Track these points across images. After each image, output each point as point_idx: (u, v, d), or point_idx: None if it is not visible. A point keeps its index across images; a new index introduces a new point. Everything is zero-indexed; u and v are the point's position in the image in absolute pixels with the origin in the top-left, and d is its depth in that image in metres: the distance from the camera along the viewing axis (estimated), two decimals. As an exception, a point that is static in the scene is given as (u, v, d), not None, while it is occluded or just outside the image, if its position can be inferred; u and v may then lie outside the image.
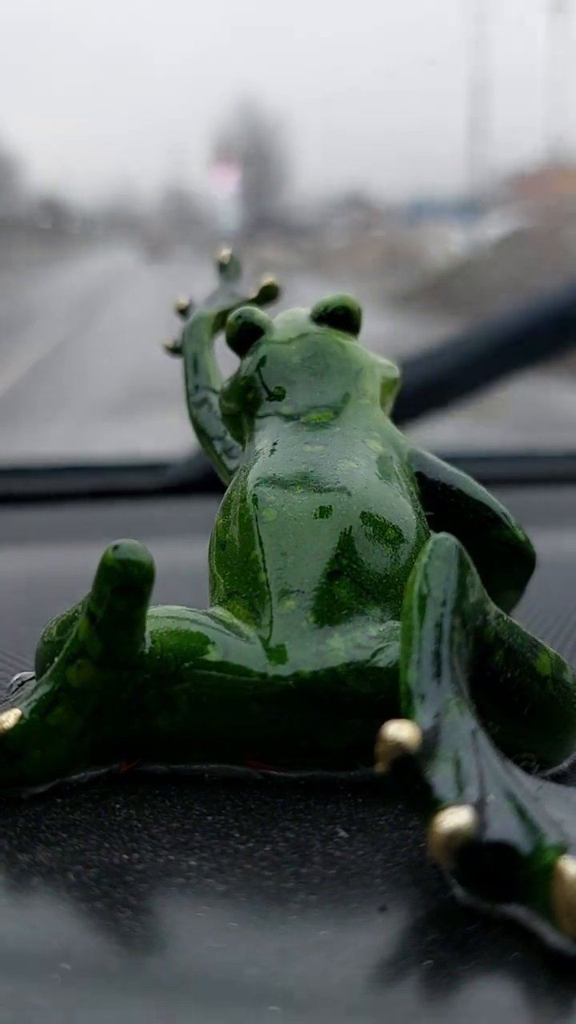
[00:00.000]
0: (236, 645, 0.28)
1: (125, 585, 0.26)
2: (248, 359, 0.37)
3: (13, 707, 0.28)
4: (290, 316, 0.38)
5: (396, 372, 0.38)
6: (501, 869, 0.22)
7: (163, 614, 0.29)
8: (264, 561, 0.30)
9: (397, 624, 0.29)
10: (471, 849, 0.21)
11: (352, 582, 0.29)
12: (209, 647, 0.28)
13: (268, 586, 0.30)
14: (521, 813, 0.22)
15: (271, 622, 0.29)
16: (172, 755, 0.29)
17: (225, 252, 0.47)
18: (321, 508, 0.31)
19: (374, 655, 0.28)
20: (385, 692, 0.27)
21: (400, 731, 0.22)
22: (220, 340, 0.41)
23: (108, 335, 5.01)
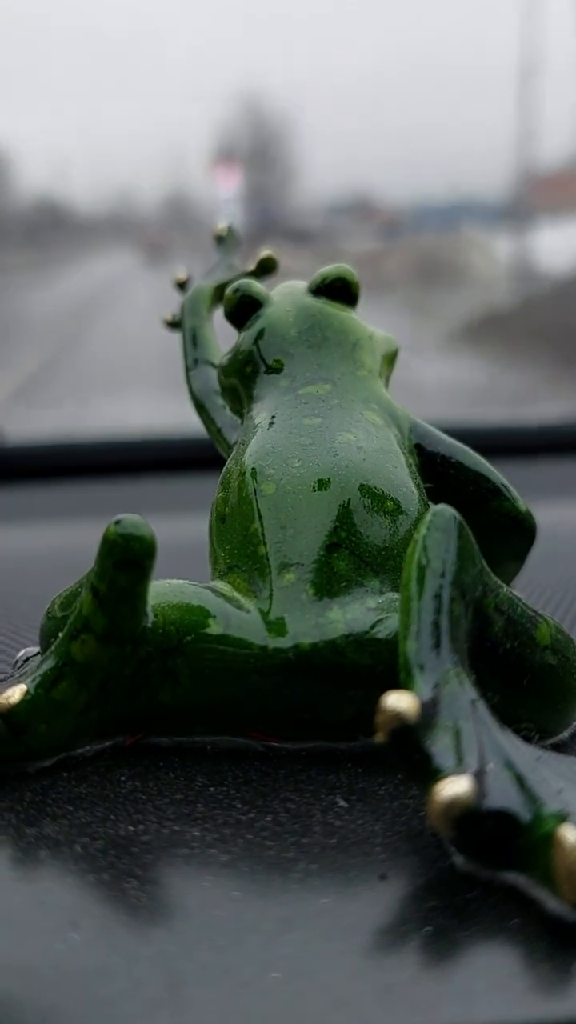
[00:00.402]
0: (237, 618, 0.28)
1: (127, 560, 0.26)
2: (246, 332, 0.36)
3: (19, 682, 0.28)
4: (288, 289, 0.38)
5: (395, 344, 0.38)
6: (501, 837, 0.22)
7: (165, 588, 0.29)
8: (263, 534, 0.30)
9: (396, 596, 0.29)
10: (470, 817, 0.22)
11: (351, 554, 0.30)
12: (210, 620, 0.28)
13: (268, 559, 0.30)
14: (520, 782, 0.22)
15: (271, 595, 0.29)
16: (175, 728, 0.29)
17: (223, 225, 0.47)
18: (320, 481, 0.31)
19: (373, 627, 0.28)
20: (384, 663, 0.27)
21: (399, 701, 0.22)
22: (219, 314, 0.41)
23: (100, 352, 4.64)
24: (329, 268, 0.37)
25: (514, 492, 0.35)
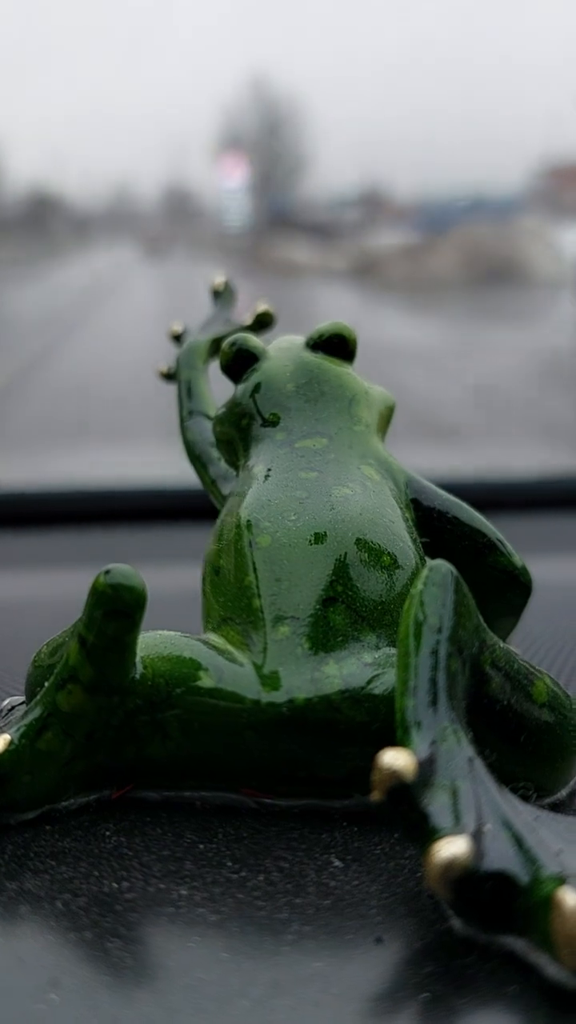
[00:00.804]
0: (229, 671, 0.28)
1: (116, 610, 0.26)
2: (242, 386, 0.36)
3: (2, 732, 0.27)
4: (285, 343, 0.38)
5: (392, 400, 0.38)
6: (499, 899, 0.21)
7: (155, 639, 0.29)
8: (258, 587, 0.30)
9: (393, 651, 0.28)
10: (468, 879, 0.21)
11: (347, 608, 0.29)
12: (202, 673, 0.28)
13: (262, 612, 0.29)
14: (519, 842, 0.22)
15: (265, 648, 0.29)
16: (164, 782, 0.29)
17: (219, 279, 0.47)
18: (316, 534, 0.30)
19: (369, 682, 0.28)
20: (380, 720, 0.27)
21: (396, 759, 0.22)
22: (214, 367, 0.41)
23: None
24: (326, 324, 0.37)
25: (509, 547, 0.35)
